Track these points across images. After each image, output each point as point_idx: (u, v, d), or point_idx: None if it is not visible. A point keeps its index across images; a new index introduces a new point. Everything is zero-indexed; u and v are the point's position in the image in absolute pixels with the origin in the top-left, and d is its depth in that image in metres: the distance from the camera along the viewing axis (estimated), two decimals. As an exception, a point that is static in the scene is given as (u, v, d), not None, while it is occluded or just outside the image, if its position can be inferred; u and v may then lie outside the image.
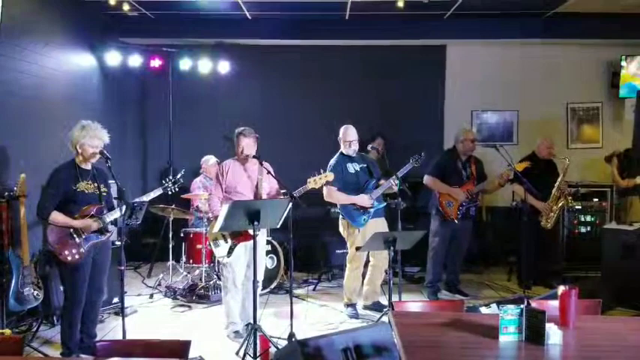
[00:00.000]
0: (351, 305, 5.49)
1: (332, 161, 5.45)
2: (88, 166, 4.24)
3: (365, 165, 5.49)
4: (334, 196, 5.29)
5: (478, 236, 7.50)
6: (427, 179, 5.90)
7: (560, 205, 6.09)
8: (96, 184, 4.21)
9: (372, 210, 5.33)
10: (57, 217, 4.07)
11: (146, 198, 4.51)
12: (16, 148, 5.19)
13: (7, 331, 4.37)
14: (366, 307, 5.57)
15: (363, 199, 5.31)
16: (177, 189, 4.66)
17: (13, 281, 4.45)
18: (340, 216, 5.48)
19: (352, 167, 5.42)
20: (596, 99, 7.93)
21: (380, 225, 5.39)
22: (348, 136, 5.40)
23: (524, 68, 7.84)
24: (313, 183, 4.71)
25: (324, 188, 5.21)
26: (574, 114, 7.98)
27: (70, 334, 4.21)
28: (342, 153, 5.47)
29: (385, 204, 5.50)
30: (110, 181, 4.41)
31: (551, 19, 7.42)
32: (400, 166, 5.32)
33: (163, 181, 4.56)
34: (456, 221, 5.82)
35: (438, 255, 5.98)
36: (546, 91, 7.84)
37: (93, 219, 4.14)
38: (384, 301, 5.54)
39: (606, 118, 7.94)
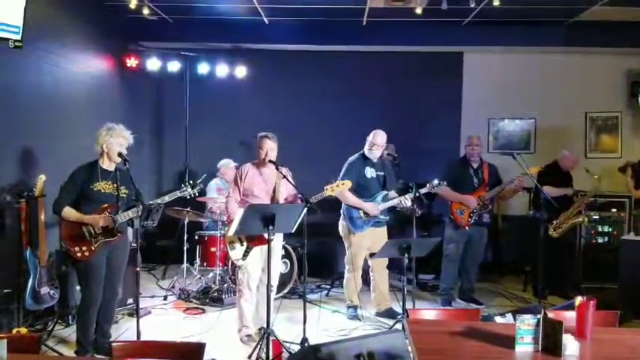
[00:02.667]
0: (352, 307, 5.53)
1: (351, 159, 5.48)
2: (112, 167, 4.29)
3: (382, 174, 5.48)
4: (345, 194, 5.25)
5: (493, 245, 7.45)
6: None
7: (574, 221, 6.09)
8: (116, 185, 4.25)
9: (373, 219, 5.35)
10: (70, 212, 4.14)
11: (160, 201, 4.52)
12: (37, 149, 5.26)
13: (24, 330, 4.43)
14: (378, 314, 5.55)
15: (371, 208, 5.31)
16: (197, 194, 4.62)
17: (30, 280, 4.50)
18: (342, 217, 5.50)
19: (370, 172, 5.42)
20: (616, 108, 7.84)
21: (378, 234, 5.41)
22: (375, 139, 5.39)
23: (542, 76, 7.78)
24: (330, 190, 4.71)
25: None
26: (593, 123, 7.89)
27: (85, 334, 4.26)
28: (363, 154, 5.46)
29: (387, 217, 5.51)
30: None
31: (570, 28, 7.36)
32: (413, 173, 5.35)
33: (182, 185, 4.52)
34: (467, 228, 5.79)
35: (453, 262, 5.94)
36: (564, 100, 7.77)
37: (103, 216, 4.17)
38: (397, 308, 5.52)
39: (625, 128, 7.84)
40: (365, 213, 5.34)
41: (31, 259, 4.55)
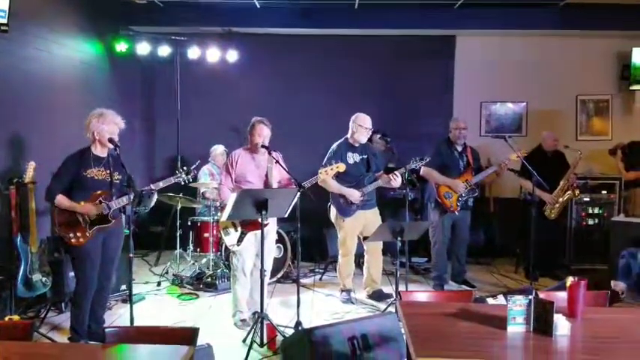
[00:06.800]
0: (345, 291, 5.55)
1: (334, 146, 5.44)
2: (104, 154, 4.26)
3: (365, 156, 5.44)
4: (327, 182, 5.18)
5: (485, 227, 7.49)
6: (424, 171, 5.79)
7: (566, 197, 6.11)
8: (108, 171, 4.21)
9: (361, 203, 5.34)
10: (62, 200, 4.11)
11: (154, 187, 4.49)
12: (27, 135, 5.21)
13: (16, 317, 4.42)
14: (368, 297, 5.58)
15: (352, 194, 5.28)
16: (190, 180, 4.60)
17: (22, 267, 4.49)
18: (330, 203, 5.50)
19: (352, 158, 5.39)
20: (606, 91, 7.86)
21: (369, 217, 5.41)
22: (365, 122, 5.34)
23: (533, 59, 7.76)
24: (324, 174, 4.70)
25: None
26: (583, 106, 7.92)
27: (80, 320, 4.25)
28: (346, 140, 5.44)
29: (372, 199, 5.46)
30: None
31: (561, 10, 7.34)
32: (405, 157, 5.34)
33: (177, 172, 4.50)
34: (456, 212, 5.80)
35: (442, 248, 5.94)
36: (556, 83, 7.77)
37: (96, 204, 4.15)
38: (387, 290, 5.56)
39: (616, 111, 7.87)
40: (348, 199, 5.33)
41: (22, 246, 4.53)
